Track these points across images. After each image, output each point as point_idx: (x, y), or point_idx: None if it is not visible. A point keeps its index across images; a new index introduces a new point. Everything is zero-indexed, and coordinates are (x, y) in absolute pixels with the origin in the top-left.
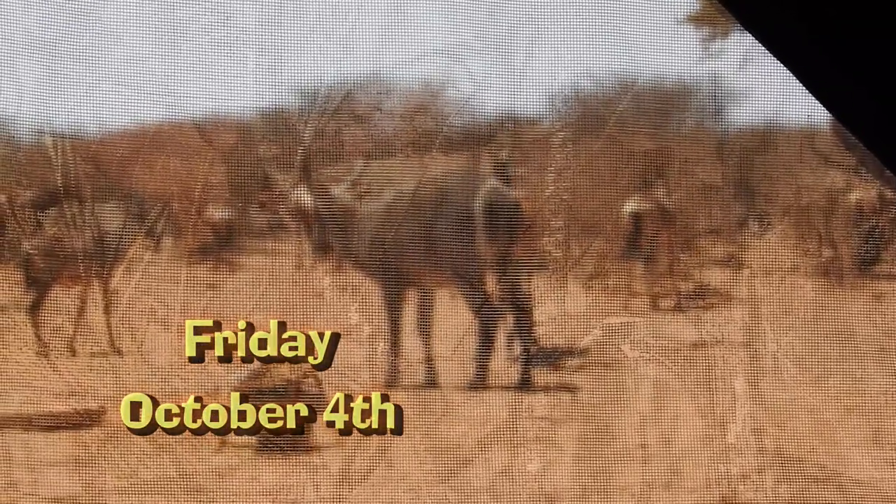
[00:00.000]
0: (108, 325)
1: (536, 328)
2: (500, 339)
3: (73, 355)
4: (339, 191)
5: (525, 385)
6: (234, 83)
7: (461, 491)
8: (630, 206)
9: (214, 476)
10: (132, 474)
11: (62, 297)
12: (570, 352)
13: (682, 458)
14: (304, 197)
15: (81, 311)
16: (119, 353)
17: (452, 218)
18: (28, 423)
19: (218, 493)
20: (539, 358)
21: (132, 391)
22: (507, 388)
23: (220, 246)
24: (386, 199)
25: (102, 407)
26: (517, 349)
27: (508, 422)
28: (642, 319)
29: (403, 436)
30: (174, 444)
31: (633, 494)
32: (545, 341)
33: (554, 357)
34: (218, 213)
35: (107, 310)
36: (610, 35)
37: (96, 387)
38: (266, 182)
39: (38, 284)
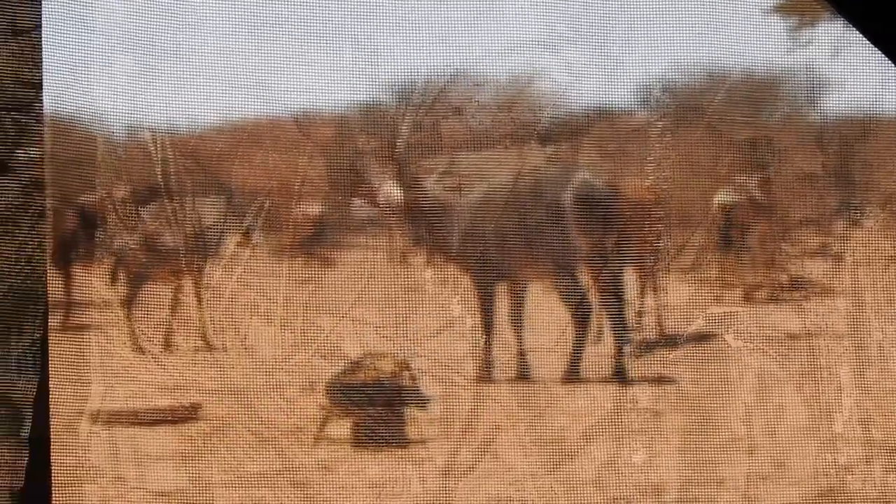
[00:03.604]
0: (211, 320)
1: (638, 319)
2: (595, 331)
3: (177, 350)
4: (432, 184)
5: (620, 377)
6: (331, 77)
7: (567, 483)
8: (721, 197)
9: (320, 469)
10: (238, 468)
11: (163, 293)
12: (672, 342)
13: (787, 448)
14: (400, 190)
15: (183, 306)
16: (222, 347)
17: (544, 210)
18: (134, 417)
19: (323, 486)
20: (640, 348)
21: (235, 385)
22: (602, 380)
23: (318, 240)
24: (479, 193)
25: (207, 401)
26: (612, 341)
27: (613, 413)
28: (745, 309)
29: (508, 428)
30: (279, 437)
31: (738, 485)
32: (647, 332)
33: (655, 348)
34: (315, 207)
35: (209, 305)
36: (699, 26)
37: (201, 381)
38: (363, 176)
39: (140, 280)
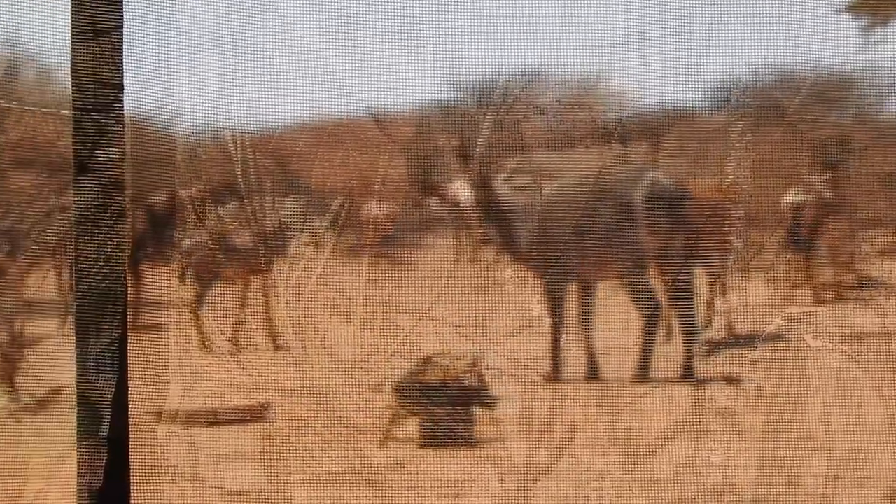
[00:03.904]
0: (290, 320)
1: (708, 319)
2: (665, 331)
3: (256, 350)
4: (506, 184)
5: (690, 377)
6: (412, 76)
7: (645, 482)
8: (791, 197)
9: (394, 469)
10: (316, 467)
11: (242, 292)
12: (748, 342)
13: (865, 449)
14: (478, 190)
15: (262, 305)
16: (301, 347)
17: (614, 210)
18: (213, 416)
19: (401, 485)
20: (711, 348)
21: (314, 385)
22: (673, 381)
23: (398, 240)
24: (549, 192)
25: (285, 400)
26: (682, 341)
27: (691, 413)
28: (824, 309)
29: (586, 427)
30: (358, 436)
31: (818, 485)
32: (717, 333)
33: (728, 348)
34: (395, 206)
35: (288, 304)
36: (776, 24)
37: (280, 380)
38: (439, 175)
39: (217, 279)
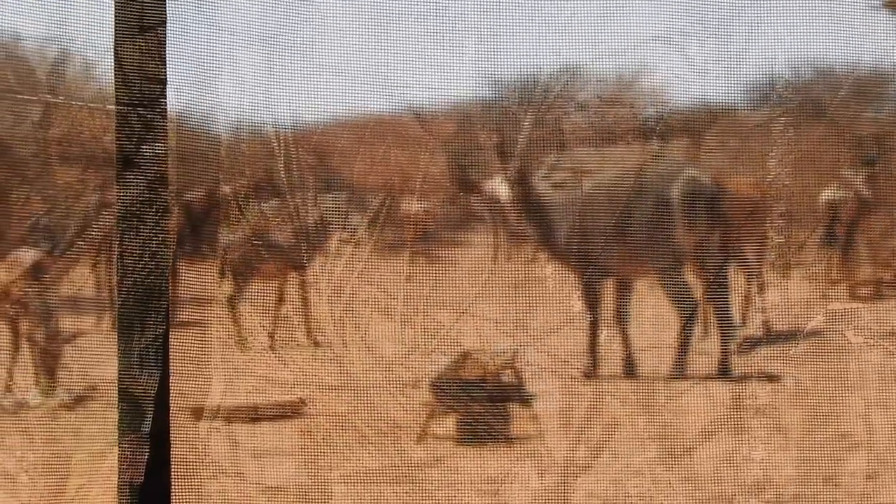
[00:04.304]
0: (331, 316)
1: (753, 315)
2: (701, 328)
3: (296, 346)
4: (545, 180)
5: (726, 374)
6: (453, 72)
7: (686, 479)
8: (830, 194)
9: (438, 465)
10: (356, 463)
11: (283, 289)
12: (788, 339)
13: None
14: (517, 186)
15: (303, 302)
16: (342, 343)
17: (651, 207)
18: (254, 413)
19: (440, 482)
20: (751, 345)
21: (355, 381)
22: (709, 377)
23: (438, 236)
24: (586, 189)
25: (326, 397)
26: (719, 338)
27: (731, 410)
28: (865, 306)
29: (627, 424)
30: (398, 432)
31: (858, 482)
32: (761, 329)
33: (766, 344)
34: (436, 203)
35: (329, 300)
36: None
37: (320, 376)
38: (484, 172)
39: (259, 276)
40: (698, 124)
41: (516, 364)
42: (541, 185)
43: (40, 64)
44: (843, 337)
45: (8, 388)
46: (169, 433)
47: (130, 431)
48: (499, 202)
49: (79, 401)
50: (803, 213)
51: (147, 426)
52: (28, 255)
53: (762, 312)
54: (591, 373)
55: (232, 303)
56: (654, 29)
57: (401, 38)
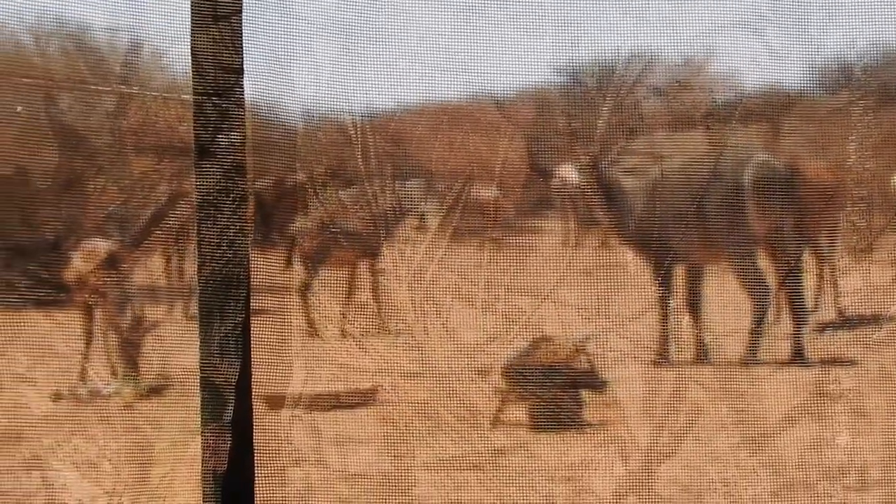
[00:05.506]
0: (411, 303)
1: (826, 300)
2: (774, 313)
3: (377, 333)
4: (619, 166)
5: (797, 359)
6: (532, 58)
7: (770, 465)
8: None
9: (518, 452)
10: (438, 450)
11: (362, 275)
12: (868, 323)
13: None
14: (594, 172)
15: (382, 288)
16: (424, 331)
17: (723, 192)
18: (336, 400)
19: (525, 469)
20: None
21: (436, 369)
22: (783, 363)
23: (517, 223)
24: (660, 174)
25: (407, 383)
26: (792, 323)
27: (808, 395)
28: None
29: (710, 409)
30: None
31: None
32: (834, 314)
33: (845, 329)
34: (515, 189)
35: (409, 288)
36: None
37: (402, 363)
38: (563, 158)
39: (338, 263)
40: (776, 109)
41: (589, 350)
42: (617, 171)
43: (112, 54)
44: None
45: (83, 378)
46: (251, 422)
47: (212, 420)
48: (578, 188)
49: (159, 389)
50: (882, 197)
51: (229, 415)
52: (104, 245)
53: (837, 298)
54: (665, 359)
55: (309, 290)
56: (732, 13)
57: (479, 24)
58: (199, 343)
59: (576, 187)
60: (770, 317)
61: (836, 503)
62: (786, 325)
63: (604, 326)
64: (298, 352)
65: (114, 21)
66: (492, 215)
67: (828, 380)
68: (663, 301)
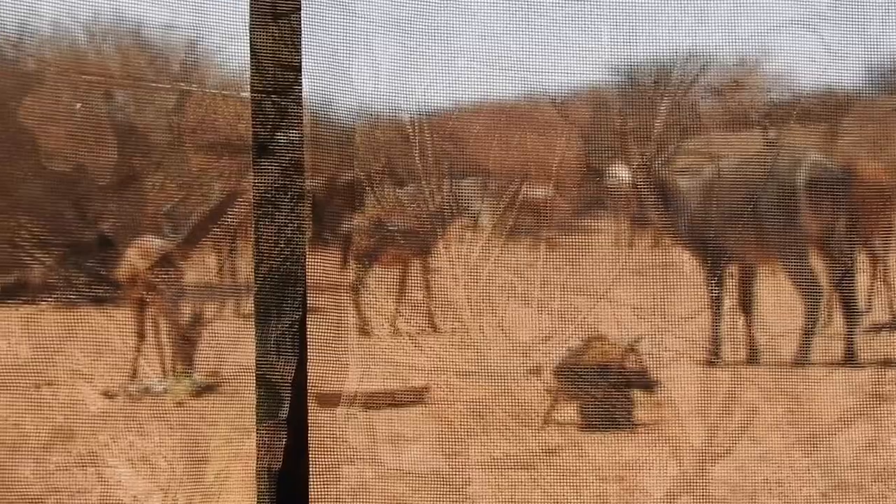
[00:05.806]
0: (468, 302)
1: (893, 300)
2: (826, 314)
3: (434, 331)
4: (673, 166)
5: (850, 360)
6: (589, 57)
7: (823, 466)
8: None
9: (574, 451)
10: (492, 449)
11: (419, 273)
12: None
13: None
14: (649, 172)
15: (438, 286)
16: (479, 329)
17: (775, 193)
18: (391, 398)
19: (577, 468)
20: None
21: (489, 367)
22: (834, 363)
23: (573, 222)
24: (713, 174)
25: (462, 382)
26: (844, 323)
27: (861, 396)
28: None
29: (763, 410)
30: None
31: None
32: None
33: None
34: (572, 188)
35: (465, 286)
36: None
37: (457, 362)
38: (619, 157)
39: (396, 261)
40: (833, 109)
41: (640, 350)
42: (671, 171)
43: (171, 52)
44: None
45: (135, 375)
46: (307, 419)
47: (268, 417)
48: (633, 187)
49: (213, 387)
50: None
51: (284, 412)
52: (160, 243)
53: (891, 299)
54: (718, 359)
55: (365, 288)
56: (789, 12)
57: (537, 23)
58: (255, 340)
59: (630, 187)
60: (823, 318)
61: None
62: (839, 325)
63: (658, 326)
64: (354, 350)
65: (172, 18)
66: (547, 214)
67: (882, 381)
68: (717, 301)
